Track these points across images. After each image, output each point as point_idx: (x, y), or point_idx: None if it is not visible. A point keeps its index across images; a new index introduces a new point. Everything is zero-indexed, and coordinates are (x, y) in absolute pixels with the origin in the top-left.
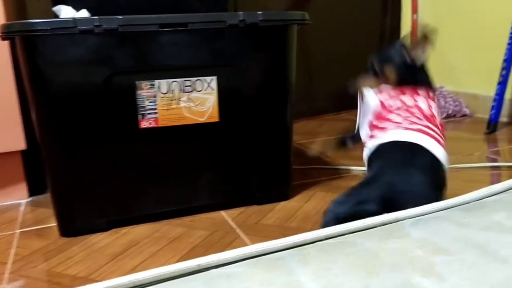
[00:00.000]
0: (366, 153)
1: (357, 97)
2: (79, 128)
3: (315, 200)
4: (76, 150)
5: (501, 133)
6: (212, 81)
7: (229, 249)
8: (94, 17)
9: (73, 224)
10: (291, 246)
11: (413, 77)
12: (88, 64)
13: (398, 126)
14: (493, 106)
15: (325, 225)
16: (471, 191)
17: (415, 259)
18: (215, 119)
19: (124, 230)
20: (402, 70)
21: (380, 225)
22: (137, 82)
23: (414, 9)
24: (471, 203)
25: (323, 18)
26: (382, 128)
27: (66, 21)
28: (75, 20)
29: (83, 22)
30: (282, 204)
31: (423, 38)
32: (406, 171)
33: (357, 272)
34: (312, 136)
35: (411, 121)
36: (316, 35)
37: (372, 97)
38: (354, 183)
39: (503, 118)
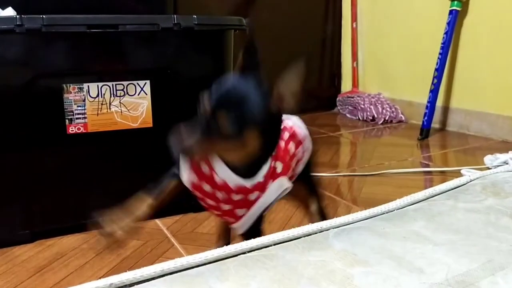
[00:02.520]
0: None
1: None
2: None
3: None
4: None
5: (433, 139)
6: (145, 85)
7: (162, 260)
8: (16, 16)
9: None
10: (212, 261)
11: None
12: (10, 65)
13: None
14: (425, 113)
15: None
16: (403, 196)
17: (333, 272)
18: (149, 124)
19: (50, 241)
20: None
21: (304, 236)
22: (64, 85)
23: (354, 18)
24: (394, 212)
25: (266, 23)
26: None
27: None
28: None
29: (3, 21)
30: None
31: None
32: None
33: (274, 287)
34: None
35: None
36: (259, 40)
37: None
38: None
39: (435, 125)
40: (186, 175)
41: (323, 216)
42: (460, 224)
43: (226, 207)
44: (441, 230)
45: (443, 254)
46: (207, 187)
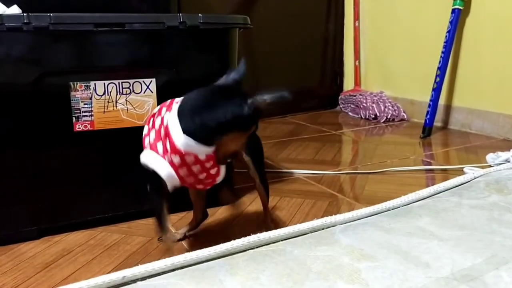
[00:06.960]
0: None
1: None
2: (6, 131)
3: (258, 203)
4: (2, 154)
5: (435, 137)
6: (151, 83)
7: (168, 256)
8: (23, 14)
9: (0, 232)
10: (221, 255)
11: None
12: (17, 64)
13: None
14: (428, 112)
15: None
16: (405, 194)
17: (341, 266)
18: None
19: (57, 238)
20: None
21: (311, 231)
22: (71, 83)
23: (356, 16)
24: (399, 208)
25: (269, 21)
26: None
27: None
28: (1, 17)
29: (11, 19)
30: (225, 208)
31: None
32: None
33: (284, 281)
34: None
35: None
36: (262, 38)
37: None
38: (296, 186)
39: (437, 123)
40: (165, 171)
41: (266, 189)
42: (464, 220)
43: (202, 176)
44: (446, 226)
45: (449, 249)
46: (183, 171)
